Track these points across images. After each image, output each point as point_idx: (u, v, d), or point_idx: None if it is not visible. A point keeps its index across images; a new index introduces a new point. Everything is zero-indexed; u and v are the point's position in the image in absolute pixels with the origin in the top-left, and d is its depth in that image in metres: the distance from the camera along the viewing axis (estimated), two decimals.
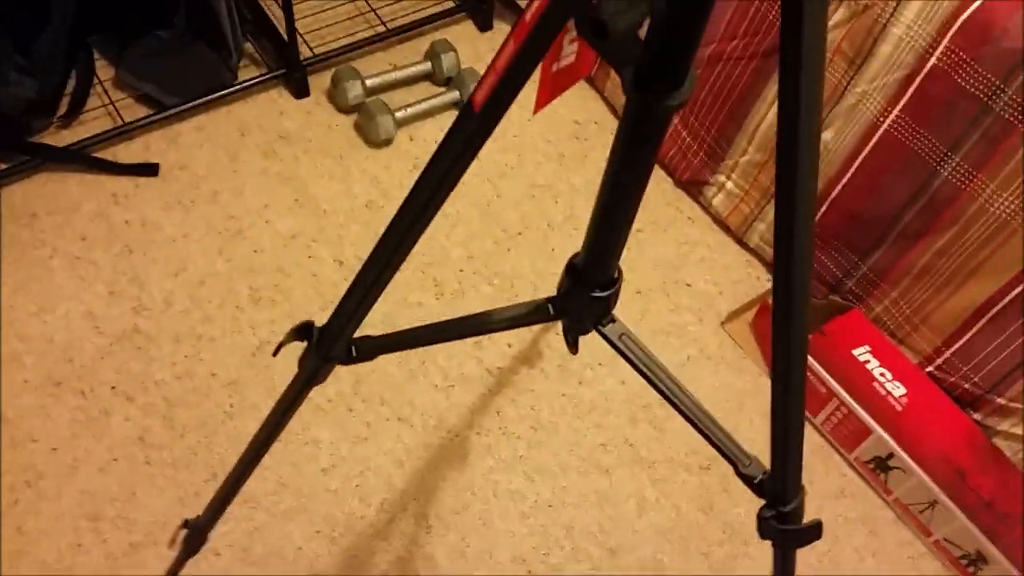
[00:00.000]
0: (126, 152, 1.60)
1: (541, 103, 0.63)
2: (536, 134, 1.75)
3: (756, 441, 0.73)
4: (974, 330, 1.32)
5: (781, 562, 0.73)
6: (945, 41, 1.18)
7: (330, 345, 0.72)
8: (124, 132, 1.59)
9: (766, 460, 0.70)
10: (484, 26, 1.87)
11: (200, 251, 1.51)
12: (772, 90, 1.43)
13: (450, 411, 1.42)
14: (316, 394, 1.25)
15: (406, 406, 1.41)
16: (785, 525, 0.69)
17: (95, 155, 1.56)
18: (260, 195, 1.58)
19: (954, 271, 1.31)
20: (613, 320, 0.71)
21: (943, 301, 1.34)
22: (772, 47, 1.39)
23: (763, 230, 1.57)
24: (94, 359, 1.38)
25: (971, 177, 1.22)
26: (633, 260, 1.59)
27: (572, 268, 0.69)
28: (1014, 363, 1.29)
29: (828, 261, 1.48)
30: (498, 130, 1.81)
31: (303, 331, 0.71)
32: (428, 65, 1.75)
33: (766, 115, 1.47)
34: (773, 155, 0.55)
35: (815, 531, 0.70)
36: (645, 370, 0.70)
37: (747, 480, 0.73)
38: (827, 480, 1.43)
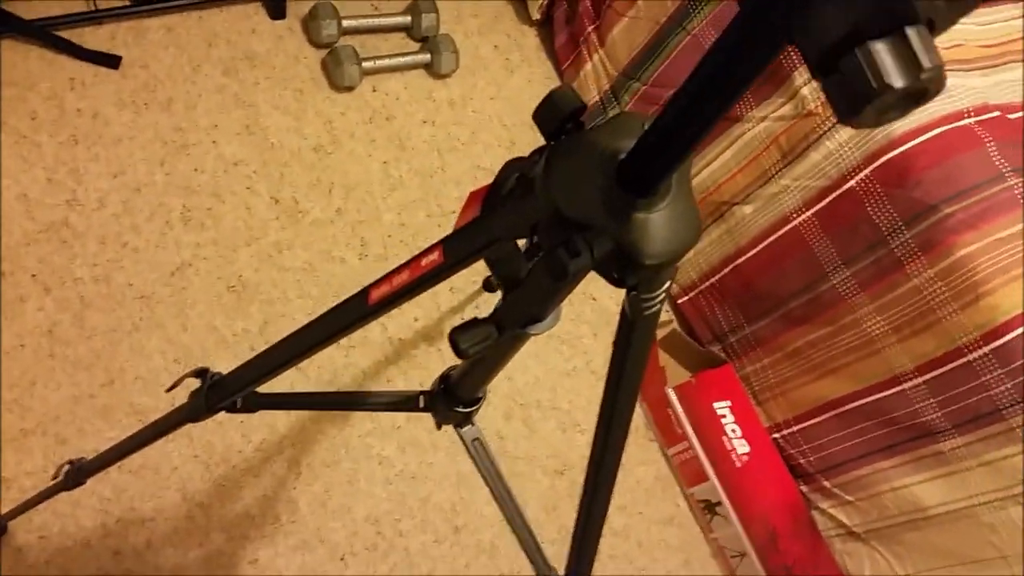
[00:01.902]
0: (92, 38, 1.60)
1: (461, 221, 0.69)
2: (494, 113, 1.81)
3: None
4: (821, 418, 1.46)
5: None
6: (867, 170, 1.27)
7: (219, 399, 0.80)
8: (95, 18, 1.59)
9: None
10: None
11: (142, 157, 1.55)
12: None
13: (345, 370, 1.52)
14: (220, 325, 1.35)
15: None
16: None
17: (62, 35, 1.56)
18: (212, 113, 1.62)
19: (819, 363, 1.44)
20: (472, 423, 0.81)
21: (803, 384, 1.48)
22: None
23: None
24: (20, 243, 1.44)
25: (855, 292, 1.34)
26: None
27: (446, 379, 0.78)
28: (846, 457, 1.44)
29: (720, 315, 1.60)
30: (459, 100, 1.89)
31: (200, 374, 0.79)
32: (408, 19, 1.77)
33: None
34: None
35: None
36: (486, 474, 0.81)
37: None
38: (662, 506, 1.59)
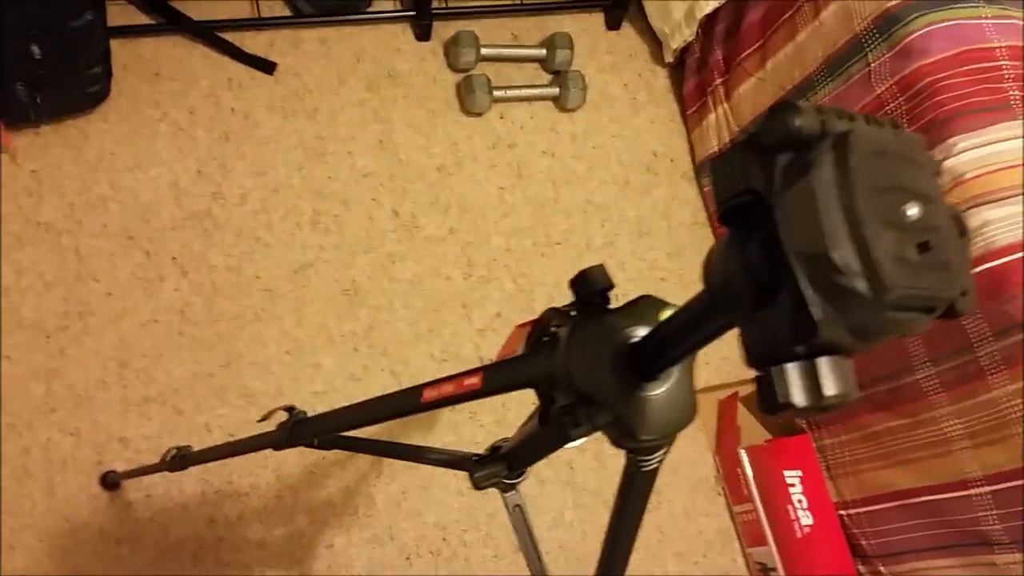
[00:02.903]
0: (252, 43, 1.75)
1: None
2: (613, 151, 1.86)
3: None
4: (887, 505, 1.47)
5: None
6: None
7: (300, 435, 0.90)
8: (257, 25, 1.74)
9: None
10: (612, 24, 1.94)
11: (284, 161, 1.68)
12: None
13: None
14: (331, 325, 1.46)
15: (400, 363, 1.62)
16: None
17: (225, 37, 1.71)
18: (351, 125, 1.74)
19: (893, 452, 1.45)
20: (516, 490, 0.89)
21: (875, 468, 1.49)
22: None
23: None
24: (166, 227, 1.60)
25: (936, 391, 1.35)
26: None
27: (496, 450, 0.86)
28: (905, 548, 1.45)
29: None
30: (581, 135, 1.97)
31: (290, 410, 0.90)
32: (543, 51, 1.84)
33: None
34: None
35: None
36: (522, 539, 0.89)
37: None
38: (720, 560, 1.64)
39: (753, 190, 0.39)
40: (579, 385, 0.57)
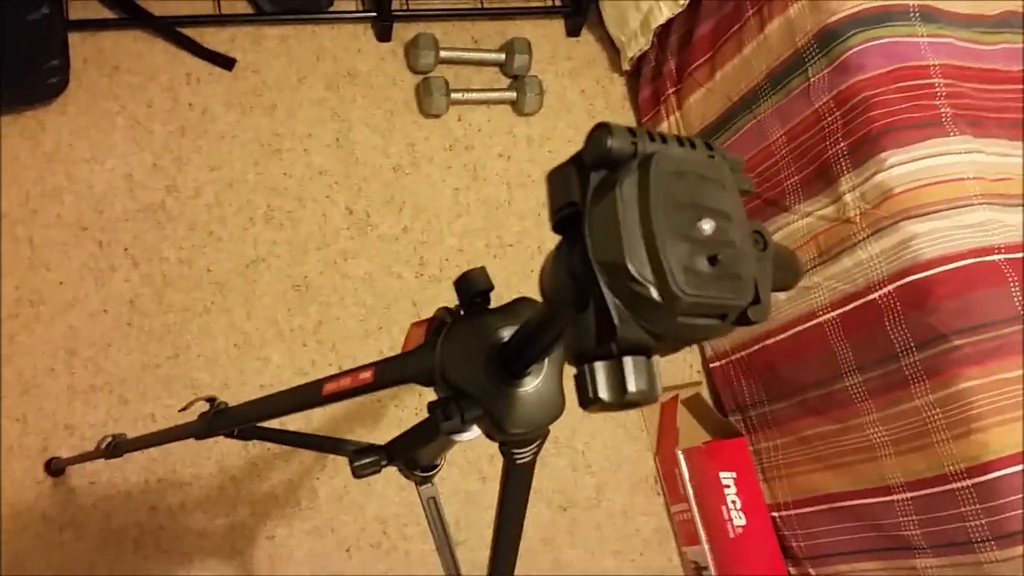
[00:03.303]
0: (213, 38, 1.77)
1: None
2: (568, 155, 1.89)
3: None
4: (817, 508, 1.51)
5: None
6: (891, 286, 1.31)
7: (220, 425, 0.93)
8: (218, 21, 1.76)
9: None
10: (572, 31, 1.97)
11: (240, 156, 1.71)
12: None
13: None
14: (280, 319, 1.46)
15: (349, 359, 1.65)
16: None
17: (186, 32, 1.73)
18: (309, 123, 1.77)
19: (824, 456, 1.49)
20: (431, 483, 0.92)
21: (807, 471, 1.53)
22: None
23: None
24: (120, 218, 1.62)
25: (863, 399, 1.39)
26: None
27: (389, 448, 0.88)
28: (832, 551, 1.49)
29: (745, 388, 1.66)
30: (538, 139, 1.98)
31: (211, 401, 0.92)
32: (503, 56, 1.87)
33: None
34: None
35: None
36: (435, 533, 0.92)
37: None
38: (655, 558, 1.67)
39: (573, 203, 0.42)
40: (452, 379, 0.60)
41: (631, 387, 0.40)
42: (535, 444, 0.63)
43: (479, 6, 1.90)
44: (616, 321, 0.39)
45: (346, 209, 1.73)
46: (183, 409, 0.98)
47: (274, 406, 0.82)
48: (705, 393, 1.74)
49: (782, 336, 1.53)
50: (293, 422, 1.43)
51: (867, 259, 1.35)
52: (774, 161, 1.51)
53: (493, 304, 0.65)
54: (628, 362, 0.40)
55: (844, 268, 1.38)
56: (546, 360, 0.58)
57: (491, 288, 0.63)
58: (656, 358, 0.42)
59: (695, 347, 1.80)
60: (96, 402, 1.51)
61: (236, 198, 1.68)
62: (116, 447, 1.17)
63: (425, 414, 0.62)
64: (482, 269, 0.63)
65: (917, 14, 1.35)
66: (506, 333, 0.59)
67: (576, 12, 1.94)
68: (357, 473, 0.68)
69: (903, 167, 1.31)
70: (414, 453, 0.73)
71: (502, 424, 0.58)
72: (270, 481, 1.56)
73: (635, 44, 1.84)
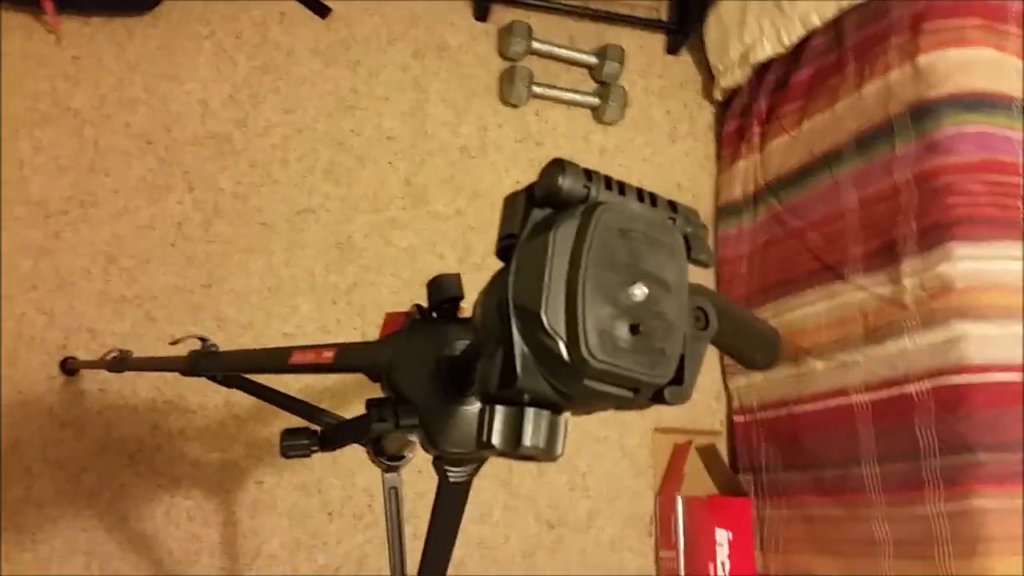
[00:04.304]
0: None
1: None
2: (640, 174, 1.86)
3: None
4: None
5: None
6: (929, 383, 1.25)
7: (205, 367, 0.91)
8: None
9: None
10: (672, 49, 1.92)
11: (315, 105, 1.71)
12: None
13: None
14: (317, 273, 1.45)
15: (373, 327, 1.64)
16: None
17: None
18: (388, 86, 1.76)
19: (824, 540, 1.43)
20: (398, 472, 0.90)
21: (805, 551, 1.47)
22: None
23: (743, 383, 1.68)
24: (186, 141, 1.64)
25: (876, 491, 1.32)
26: None
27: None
28: None
29: (763, 449, 1.60)
30: (611, 150, 1.96)
31: (203, 340, 0.91)
32: (594, 59, 1.83)
33: None
34: None
35: None
36: (390, 525, 0.90)
37: None
38: None
39: (513, 235, 0.39)
40: (396, 382, 0.57)
41: (525, 440, 0.38)
42: (471, 466, 0.61)
43: (582, 5, 1.87)
44: (519, 369, 0.36)
45: (405, 179, 1.72)
46: (174, 343, 0.98)
47: (252, 361, 0.82)
48: (722, 445, 1.69)
49: (811, 407, 1.47)
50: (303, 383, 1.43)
51: (912, 349, 1.28)
52: (841, 226, 1.45)
53: None
54: (530, 414, 0.38)
55: (887, 352, 1.32)
56: None
57: (460, 296, 0.60)
58: (566, 416, 0.39)
59: (723, 395, 1.75)
60: (124, 313, 1.54)
61: (302, 145, 1.69)
62: (120, 362, 1.19)
63: None
64: (456, 276, 0.61)
65: (1020, 108, 1.27)
66: (461, 346, 0.56)
67: (679, 30, 1.89)
68: (285, 453, 0.66)
69: (969, 263, 1.24)
70: (344, 445, 0.71)
71: (435, 439, 0.56)
72: (271, 428, 1.56)
73: (731, 75, 1.78)
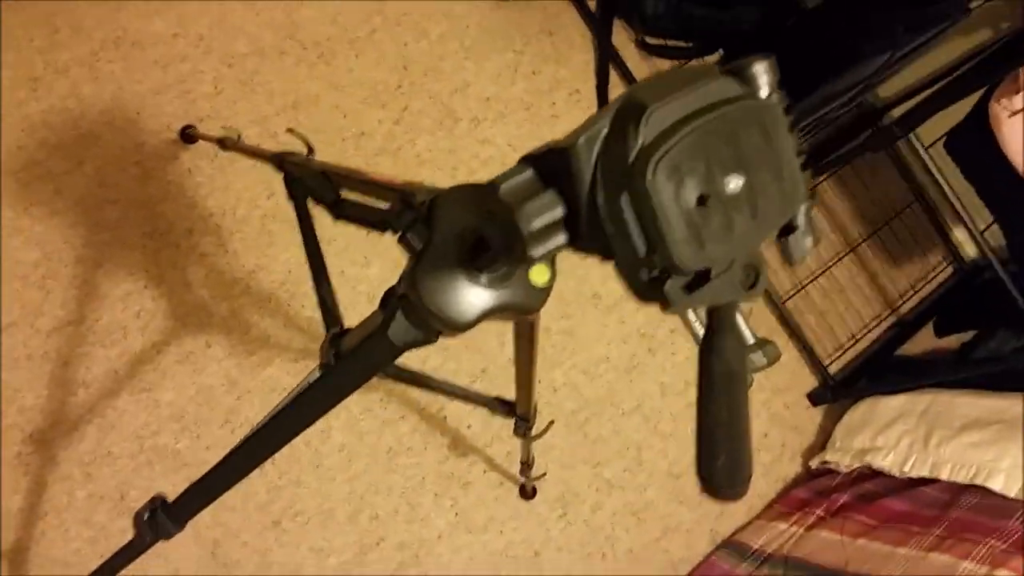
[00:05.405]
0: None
1: None
2: None
3: None
4: None
5: None
6: None
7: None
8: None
9: None
10: (816, 399, 1.87)
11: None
12: None
13: None
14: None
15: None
16: None
17: None
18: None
19: None
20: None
21: None
22: None
23: None
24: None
25: None
26: None
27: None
28: None
29: None
30: None
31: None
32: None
33: None
34: None
35: None
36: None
37: None
38: None
39: None
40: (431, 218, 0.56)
41: None
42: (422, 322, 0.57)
43: None
44: None
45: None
46: (290, 131, 1.00)
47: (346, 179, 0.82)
48: None
49: None
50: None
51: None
52: None
53: None
54: None
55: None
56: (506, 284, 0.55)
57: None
58: None
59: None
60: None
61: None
62: (231, 143, 1.25)
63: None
64: None
65: None
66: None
67: (832, 397, 1.85)
68: None
69: None
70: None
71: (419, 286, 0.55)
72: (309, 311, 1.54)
73: (840, 456, 1.73)
